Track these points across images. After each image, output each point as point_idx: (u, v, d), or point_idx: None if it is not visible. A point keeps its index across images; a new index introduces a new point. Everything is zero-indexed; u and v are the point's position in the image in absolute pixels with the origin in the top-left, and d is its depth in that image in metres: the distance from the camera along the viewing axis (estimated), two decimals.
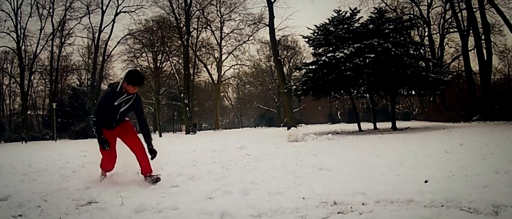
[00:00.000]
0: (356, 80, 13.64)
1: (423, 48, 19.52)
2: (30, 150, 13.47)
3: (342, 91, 15.52)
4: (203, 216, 2.36)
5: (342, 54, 12.81)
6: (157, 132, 38.78)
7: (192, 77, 37.76)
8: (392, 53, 12.59)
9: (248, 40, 41.20)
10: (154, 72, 37.99)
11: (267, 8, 26.38)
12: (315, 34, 15.12)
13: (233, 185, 3.42)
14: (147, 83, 40.32)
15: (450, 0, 23.72)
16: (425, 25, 32.64)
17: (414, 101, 45.59)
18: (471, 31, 22.21)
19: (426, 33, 32.99)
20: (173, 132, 49.89)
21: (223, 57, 43.66)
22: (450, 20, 32.31)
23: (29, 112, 41.96)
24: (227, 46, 42.98)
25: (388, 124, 17.64)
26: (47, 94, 44.95)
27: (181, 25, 35.33)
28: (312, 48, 15.65)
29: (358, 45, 12.72)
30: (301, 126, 29.38)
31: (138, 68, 39.79)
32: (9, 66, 42.92)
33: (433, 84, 13.70)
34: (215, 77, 44.50)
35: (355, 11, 14.91)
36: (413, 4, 31.91)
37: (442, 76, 13.84)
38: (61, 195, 3.31)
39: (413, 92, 15.90)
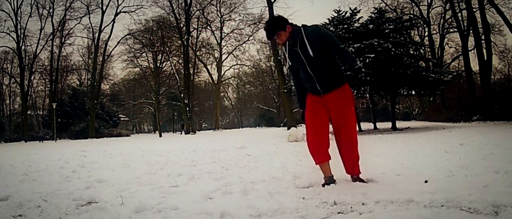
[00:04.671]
0: (356, 80, 13.64)
1: (423, 48, 19.52)
2: (30, 150, 13.48)
3: None
4: (203, 216, 2.35)
5: None
6: (157, 132, 38.79)
7: (192, 77, 37.80)
8: (392, 53, 12.59)
9: (248, 40, 41.29)
10: (154, 72, 38.03)
11: (267, 8, 26.40)
12: None
13: (233, 185, 3.42)
14: (147, 83, 40.46)
15: (450, 0, 23.72)
16: (425, 25, 32.66)
17: (414, 101, 45.61)
18: (471, 31, 22.21)
19: (426, 33, 33.01)
20: (173, 132, 49.86)
21: (223, 57, 43.73)
22: (450, 20, 32.32)
23: (29, 112, 41.99)
24: (227, 46, 43.07)
25: (388, 124, 17.64)
26: (47, 94, 44.99)
27: (181, 25, 35.36)
28: None
29: (358, 45, 12.72)
30: (301, 126, 29.36)
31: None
32: (9, 66, 42.98)
33: (433, 84, 13.70)
34: (215, 77, 44.57)
35: (355, 11, 14.91)
36: (413, 4, 31.93)
37: (442, 76, 13.84)
38: (61, 195, 3.31)
39: (413, 92, 15.89)
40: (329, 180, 3.14)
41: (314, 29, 3.05)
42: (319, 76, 3.05)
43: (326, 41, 3.00)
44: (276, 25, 3.06)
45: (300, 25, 3.11)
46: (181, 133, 37.37)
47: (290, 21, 3.15)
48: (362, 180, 3.14)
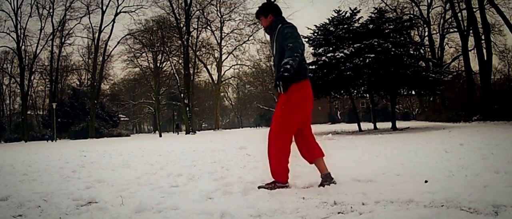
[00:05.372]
0: (356, 80, 13.65)
1: (423, 48, 19.53)
2: (30, 150, 13.48)
3: (342, 91, 15.52)
4: (203, 216, 2.35)
5: (342, 54, 12.81)
6: (157, 132, 38.78)
7: (192, 77, 37.79)
8: (392, 53, 12.60)
9: (248, 40, 41.25)
10: (154, 72, 38.03)
11: None
12: (315, 34, 15.13)
13: (233, 185, 3.42)
14: (147, 83, 40.46)
15: (450, 0, 23.73)
16: (425, 25, 32.68)
17: (414, 101, 45.63)
18: (471, 31, 22.21)
19: (426, 33, 33.04)
20: (173, 132, 49.88)
21: (223, 57, 43.68)
22: (450, 20, 32.35)
23: (29, 112, 42.01)
24: (227, 46, 43.02)
25: (388, 124, 17.64)
26: (47, 94, 45.01)
27: (181, 25, 35.37)
28: (312, 48, 15.66)
29: (358, 45, 12.73)
30: None
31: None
32: (9, 66, 43.01)
33: (433, 84, 13.70)
34: (215, 77, 44.52)
35: (355, 11, 14.92)
36: (413, 4, 31.95)
37: (442, 76, 13.85)
38: (61, 195, 3.31)
39: (413, 92, 15.91)
40: (325, 177, 3.13)
41: (284, 27, 3.07)
42: (278, 73, 3.04)
43: (285, 39, 2.99)
44: (260, 9, 3.26)
45: (283, 22, 3.15)
46: (177, 134, 37.29)
47: (289, 20, 3.22)
48: (268, 186, 3.07)
